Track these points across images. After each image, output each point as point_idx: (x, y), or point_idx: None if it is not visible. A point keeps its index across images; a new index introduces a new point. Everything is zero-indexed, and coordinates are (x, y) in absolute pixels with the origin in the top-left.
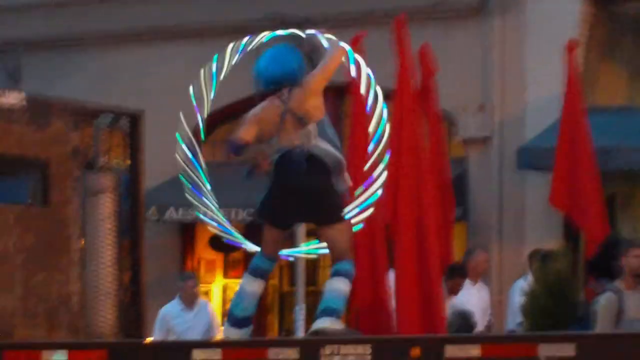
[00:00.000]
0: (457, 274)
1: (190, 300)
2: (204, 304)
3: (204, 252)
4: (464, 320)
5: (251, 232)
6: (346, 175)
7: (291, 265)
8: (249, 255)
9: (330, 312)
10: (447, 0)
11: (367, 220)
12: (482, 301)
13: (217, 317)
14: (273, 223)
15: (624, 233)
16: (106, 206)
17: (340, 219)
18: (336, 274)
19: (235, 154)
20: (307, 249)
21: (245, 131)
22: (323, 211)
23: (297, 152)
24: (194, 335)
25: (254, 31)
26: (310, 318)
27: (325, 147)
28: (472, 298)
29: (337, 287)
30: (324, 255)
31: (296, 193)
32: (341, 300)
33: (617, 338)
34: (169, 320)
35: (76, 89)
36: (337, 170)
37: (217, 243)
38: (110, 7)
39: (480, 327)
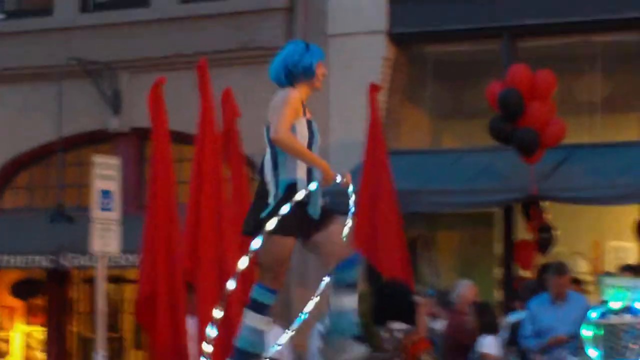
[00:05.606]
0: None
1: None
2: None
3: (4, 299)
4: None
5: (54, 278)
6: None
7: (92, 312)
8: (50, 303)
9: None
10: (250, 44)
11: (168, 265)
12: None
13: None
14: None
15: (424, 275)
16: None
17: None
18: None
19: None
20: None
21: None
22: None
23: None
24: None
25: (56, 76)
26: None
27: None
28: None
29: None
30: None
31: None
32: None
33: None
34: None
35: None
36: None
37: (18, 290)
38: None
39: None
